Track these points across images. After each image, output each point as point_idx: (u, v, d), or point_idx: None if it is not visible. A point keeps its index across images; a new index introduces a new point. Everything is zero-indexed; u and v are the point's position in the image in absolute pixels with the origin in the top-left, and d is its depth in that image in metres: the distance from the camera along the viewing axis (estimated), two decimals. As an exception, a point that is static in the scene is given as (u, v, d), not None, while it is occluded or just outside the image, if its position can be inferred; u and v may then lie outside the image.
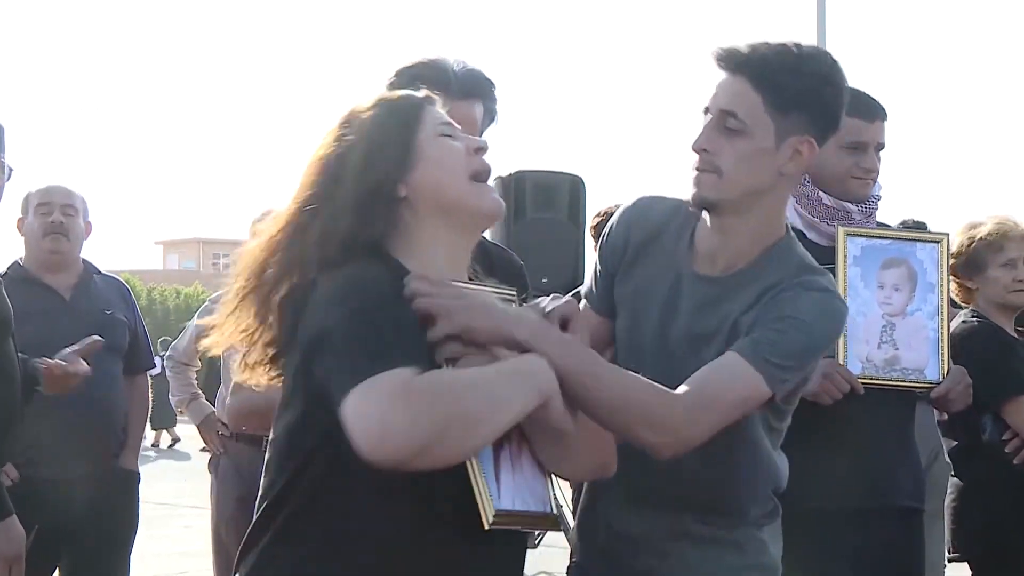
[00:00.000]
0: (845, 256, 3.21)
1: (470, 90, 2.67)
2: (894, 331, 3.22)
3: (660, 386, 2.14)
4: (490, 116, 2.74)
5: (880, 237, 3.28)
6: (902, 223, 4.91)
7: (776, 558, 2.51)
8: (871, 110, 3.32)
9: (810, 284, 2.30)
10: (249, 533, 2.03)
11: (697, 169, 2.34)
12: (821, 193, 3.31)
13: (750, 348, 2.21)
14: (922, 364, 3.22)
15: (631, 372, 2.17)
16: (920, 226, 5.33)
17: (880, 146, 3.33)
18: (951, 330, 3.60)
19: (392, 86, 2.64)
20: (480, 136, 2.64)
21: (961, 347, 3.53)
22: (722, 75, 2.34)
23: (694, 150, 2.34)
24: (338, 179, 2.01)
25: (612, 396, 2.07)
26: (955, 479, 3.90)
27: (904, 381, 3.22)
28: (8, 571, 3.13)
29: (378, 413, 1.76)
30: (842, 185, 3.30)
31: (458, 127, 2.13)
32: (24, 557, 3.20)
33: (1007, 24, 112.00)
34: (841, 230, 3.23)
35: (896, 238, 3.31)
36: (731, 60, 2.32)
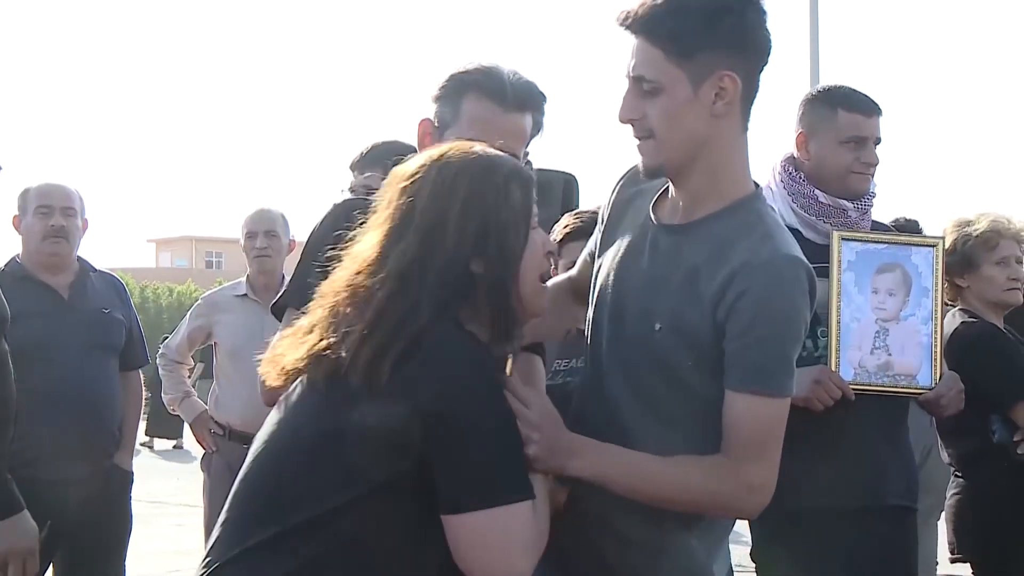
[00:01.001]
0: (839, 261, 3.19)
1: (524, 102, 2.62)
2: (887, 336, 3.21)
3: (707, 461, 2.21)
4: (537, 128, 2.69)
5: (875, 241, 3.26)
6: (894, 221, 4.88)
7: (707, 568, 2.40)
8: (868, 105, 3.34)
9: (771, 263, 2.21)
10: (254, 548, 2.01)
11: (636, 138, 2.30)
12: (817, 191, 3.30)
13: (746, 380, 2.19)
14: (914, 369, 3.22)
15: (675, 458, 2.21)
16: (912, 224, 5.31)
17: (878, 140, 3.34)
18: (950, 329, 3.59)
19: (444, 90, 2.63)
20: (527, 147, 2.65)
21: (967, 348, 3.57)
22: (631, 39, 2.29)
23: (621, 122, 2.30)
24: (457, 236, 2.06)
25: (672, 492, 2.21)
26: (960, 479, 3.89)
27: (896, 387, 3.21)
28: (23, 566, 3.10)
29: (506, 557, 1.97)
30: (842, 181, 3.30)
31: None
32: (38, 552, 3.16)
33: (996, 21, 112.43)
34: (836, 234, 3.21)
35: (891, 242, 3.28)
36: (626, 23, 2.25)
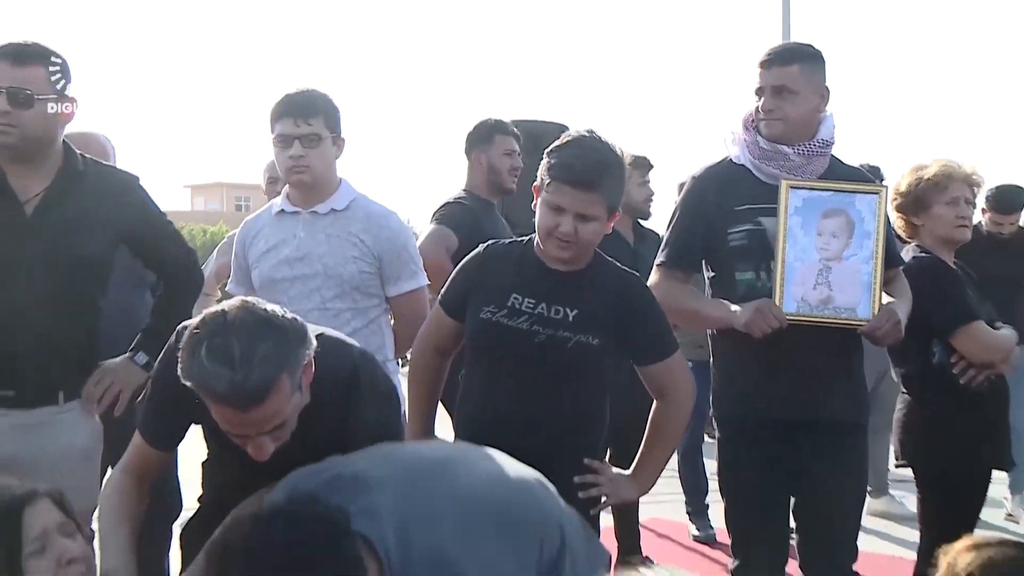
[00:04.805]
0: (787, 206, 3.23)
1: (264, 394, 2.23)
2: (830, 274, 3.24)
3: None
4: None
5: (821, 189, 3.28)
6: (859, 168, 4.91)
7: None
8: (764, 57, 3.38)
9: None
10: None
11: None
12: (759, 137, 3.37)
13: None
14: (854, 303, 3.24)
15: None
16: (875, 170, 5.35)
17: (778, 89, 3.35)
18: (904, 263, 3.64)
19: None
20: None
21: (914, 280, 3.59)
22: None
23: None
24: None
25: None
26: (905, 396, 3.96)
27: (836, 319, 3.24)
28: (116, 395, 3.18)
29: None
30: (760, 126, 3.39)
31: None
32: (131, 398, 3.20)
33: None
34: (784, 183, 3.25)
35: (836, 190, 3.29)
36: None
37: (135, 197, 3.23)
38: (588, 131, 2.93)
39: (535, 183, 2.95)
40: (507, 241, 3.14)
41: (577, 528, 2.52)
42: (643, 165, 5.63)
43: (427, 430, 3.18)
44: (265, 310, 2.24)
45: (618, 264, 3.06)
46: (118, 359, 3.23)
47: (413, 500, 2.21)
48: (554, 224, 2.87)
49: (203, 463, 2.94)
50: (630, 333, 2.94)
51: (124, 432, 2.81)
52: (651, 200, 5.58)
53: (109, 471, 2.81)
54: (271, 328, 2.20)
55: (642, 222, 5.64)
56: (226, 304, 2.25)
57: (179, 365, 2.21)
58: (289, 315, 2.27)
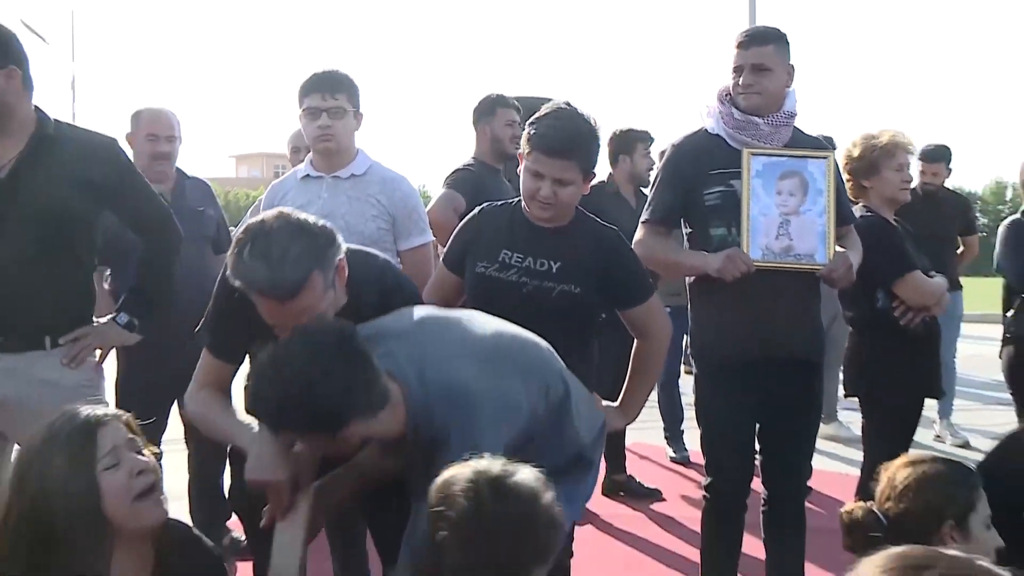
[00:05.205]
0: (749, 170, 3.25)
1: (299, 286, 2.29)
2: (789, 226, 3.26)
3: None
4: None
5: (778, 155, 3.30)
6: (817, 137, 4.90)
7: None
8: (742, 38, 3.35)
9: None
10: None
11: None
12: (733, 108, 3.35)
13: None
14: (812, 251, 3.27)
15: None
16: (829, 140, 5.33)
17: (756, 67, 3.32)
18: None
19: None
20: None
21: (862, 236, 3.62)
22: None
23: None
24: None
25: None
26: (853, 336, 4.00)
27: (797, 264, 3.27)
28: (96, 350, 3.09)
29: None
30: (737, 100, 3.36)
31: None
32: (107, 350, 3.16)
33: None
34: (745, 151, 3.27)
35: (791, 155, 3.31)
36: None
37: (111, 157, 3.05)
38: (565, 103, 2.90)
39: (520, 151, 2.94)
40: (499, 203, 3.13)
41: (581, 387, 2.56)
42: (646, 139, 5.61)
43: None
44: (299, 218, 2.32)
45: (597, 220, 3.06)
46: (103, 319, 3.16)
47: (426, 344, 2.28)
48: (535, 188, 2.87)
49: (245, 387, 2.95)
50: (610, 281, 2.94)
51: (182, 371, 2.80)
52: (652, 170, 5.55)
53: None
54: (304, 232, 2.28)
55: (644, 190, 5.63)
56: (265, 213, 2.33)
57: (228, 268, 2.28)
58: (320, 223, 2.34)
